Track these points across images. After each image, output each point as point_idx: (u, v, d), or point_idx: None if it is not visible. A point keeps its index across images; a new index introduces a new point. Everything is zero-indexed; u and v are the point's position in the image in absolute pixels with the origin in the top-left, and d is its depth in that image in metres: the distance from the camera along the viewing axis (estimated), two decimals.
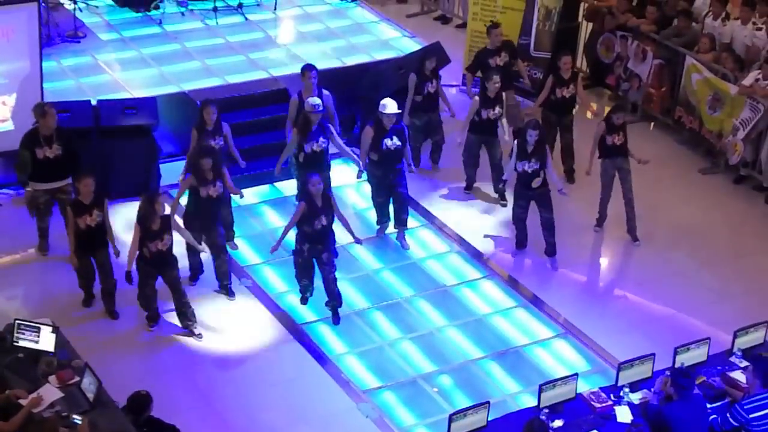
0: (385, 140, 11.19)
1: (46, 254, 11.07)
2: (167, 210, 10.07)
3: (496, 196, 12.49)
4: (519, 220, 11.46)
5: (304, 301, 10.65)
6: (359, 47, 14.60)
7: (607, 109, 14.15)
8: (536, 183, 11.05)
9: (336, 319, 10.50)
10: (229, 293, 10.74)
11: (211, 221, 10.52)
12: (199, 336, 10.15)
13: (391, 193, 11.51)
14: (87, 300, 10.46)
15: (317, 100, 11.14)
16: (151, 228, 9.76)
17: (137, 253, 9.82)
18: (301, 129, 11.17)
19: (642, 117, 14.44)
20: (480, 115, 11.99)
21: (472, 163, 12.47)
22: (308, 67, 11.75)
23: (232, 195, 10.85)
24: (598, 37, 14.79)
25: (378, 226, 11.81)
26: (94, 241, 10.14)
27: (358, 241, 10.79)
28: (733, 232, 12.42)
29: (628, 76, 14.46)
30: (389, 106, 11.17)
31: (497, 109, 12.02)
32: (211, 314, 10.51)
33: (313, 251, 10.28)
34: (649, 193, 12.54)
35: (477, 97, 12.03)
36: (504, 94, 12.30)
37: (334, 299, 10.47)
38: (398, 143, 11.23)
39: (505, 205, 12.25)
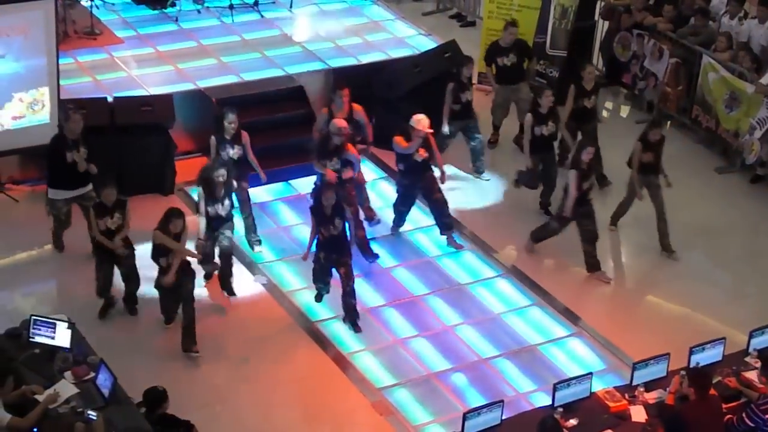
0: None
1: (63, 250, 11.10)
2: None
3: (541, 210, 12.23)
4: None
5: (318, 298, 10.65)
6: (375, 45, 14.60)
7: (623, 108, 14.16)
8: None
9: (357, 328, 10.40)
10: (230, 293, 10.70)
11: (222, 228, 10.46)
12: (196, 353, 9.96)
13: (429, 202, 11.49)
14: (104, 310, 10.27)
15: (342, 124, 10.93)
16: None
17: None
18: (319, 148, 11.04)
19: (658, 116, 14.39)
20: (534, 132, 11.73)
21: (540, 182, 12.09)
22: (341, 86, 11.56)
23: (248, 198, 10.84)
24: (615, 36, 14.74)
25: (392, 230, 11.79)
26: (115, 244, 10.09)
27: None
28: (750, 232, 12.38)
29: (645, 74, 14.42)
30: (422, 122, 11.05)
31: (551, 125, 11.77)
32: (225, 311, 10.52)
33: (329, 260, 10.25)
34: (665, 192, 12.48)
35: (530, 114, 11.75)
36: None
37: (350, 312, 10.38)
38: (426, 155, 11.17)
39: (550, 213, 12.09)
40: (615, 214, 11.94)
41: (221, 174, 10.15)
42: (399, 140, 11.17)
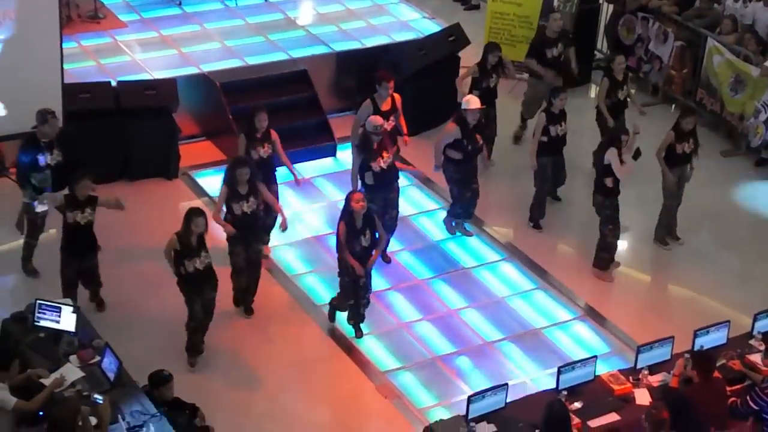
0: (467, 140, 10.98)
1: (37, 275, 10.51)
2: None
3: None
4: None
5: (359, 334, 10.11)
6: (379, 29, 14.56)
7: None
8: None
9: (360, 333, 10.19)
10: (248, 311, 10.36)
11: (251, 236, 10.08)
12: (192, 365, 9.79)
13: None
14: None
15: (379, 121, 10.56)
16: (190, 244, 9.26)
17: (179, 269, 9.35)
18: (362, 147, 10.65)
19: (663, 99, 14.36)
20: (548, 133, 11.39)
21: (545, 192, 11.77)
22: (386, 77, 11.18)
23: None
24: (619, 19, 14.70)
25: (456, 224, 11.61)
26: (84, 242, 9.82)
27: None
28: (754, 215, 12.36)
29: (650, 57, 14.38)
30: (473, 101, 10.96)
31: (563, 125, 11.48)
32: (230, 295, 10.54)
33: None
34: None
35: (543, 113, 11.48)
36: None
37: (359, 319, 10.16)
38: (479, 143, 11.10)
39: (558, 199, 12.13)
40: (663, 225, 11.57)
41: (244, 172, 9.76)
42: (451, 128, 10.96)
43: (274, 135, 10.76)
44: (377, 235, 9.84)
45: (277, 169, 10.98)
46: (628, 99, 12.30)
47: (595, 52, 14.90)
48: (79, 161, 10.43)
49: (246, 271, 10.11)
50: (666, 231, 11.58)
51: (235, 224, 9.87)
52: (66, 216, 9.71)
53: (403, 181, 11.37)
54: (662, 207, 11.47)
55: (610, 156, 10.56)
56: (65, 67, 11.89)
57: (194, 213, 9.26)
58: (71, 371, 8.33)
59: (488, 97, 12.22)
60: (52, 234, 11.11)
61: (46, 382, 8.04)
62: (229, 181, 9.86)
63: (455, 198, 11.45)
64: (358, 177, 10.62)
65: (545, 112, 11.46)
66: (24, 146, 10.34)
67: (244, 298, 10.33)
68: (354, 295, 9.95)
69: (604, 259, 11.03)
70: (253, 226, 10.05)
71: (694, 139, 11.21)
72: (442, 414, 9.05)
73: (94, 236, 9.87)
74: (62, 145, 10.34)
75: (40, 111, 10.24)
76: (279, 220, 10.43)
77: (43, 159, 10.20)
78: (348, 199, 9.69)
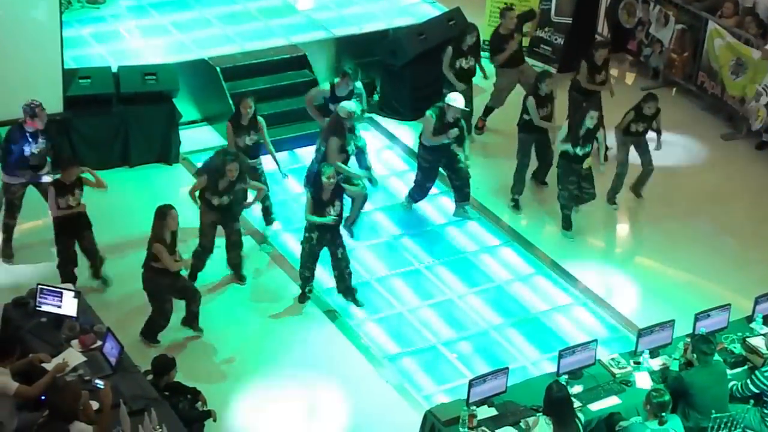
0: (444, 135, 11.05)
1: (12, 260, 10.64)
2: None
3: (533, 180, 12.21)
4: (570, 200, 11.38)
5: (303, 298, 10.36)
6: (378, 14, 14.53)
7: (629, 76, 14.04)
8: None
9: (358, 303, 10.36)
10: (241, 279, 10.61)
11: (229, 218, 10.30)
12: (200, 331, 9.95)
13: (453, 172, 11.40)
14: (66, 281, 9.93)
15: (351, 107, 10.85)
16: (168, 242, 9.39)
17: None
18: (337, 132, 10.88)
19: (664, 82, 14.33)
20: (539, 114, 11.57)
21: (526, 167, 11.87)
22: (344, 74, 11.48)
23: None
24: (620, 2, 14.66)
25: (407, 202, 11.70)
26: (78, 223, 9.95)
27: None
28: (755, 198, 12.36)
29: (650, 41, 14.35)
30: (459, 100, 11.00)
31: (548, 107, 11.59)
32: (226, 281, 10.54)
33: (322, 241, 10.08)
34: (670, 159, 12.46)
35: (531, 97, 11.53)
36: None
37: (351, 293, 10.32)
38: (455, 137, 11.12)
39: (545, 184, 12.15)
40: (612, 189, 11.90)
41: (233, 168, 9.89)
42: (429, 121, 11.06)
43: (259, 124, 10.81)
44: (342, 206, 10.07)
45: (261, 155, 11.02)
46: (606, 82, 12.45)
47: (596, 36, 14.86)
48: (60, 147, 10.58)
49: (208, 254, 10.35)
50: (614, 194, 11.89)
51: (211, 213, 10.08)
52: (58, 203, 9.76)
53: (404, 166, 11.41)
54: (616, 175, 11.76)
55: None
56: (65, 52, 11.88)
57: (167, 208, 9.33)
58: (73, 356, 8.33)
59: (464, 78, 12.26)
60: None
61: (48, 367, 8.06)
62: (212, 173, 9.96)
63: (416, 182, 11.55)
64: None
65: (533, 96, 11.52)
66: (10, 135, 10.34)
67: (235, 269, 10.54)
68: (309, 267, 10.16)
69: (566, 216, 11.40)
70: (230, 211, 10.22)
71: (657, 123, 11.61)
72: (443, 398, 9.07)
73: (87, 216, 9.98)
74: (47, 133, 10.35)
75: (28, 105, 10.19)
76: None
77: (28, 149, 10.27)
78: (320, 172, 9.87)
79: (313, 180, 10.27)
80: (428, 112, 11.10)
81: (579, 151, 10.96)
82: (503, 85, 13.01)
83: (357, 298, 10.37)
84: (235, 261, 10.53)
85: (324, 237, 10.05)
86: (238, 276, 10.58)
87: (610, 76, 12.76)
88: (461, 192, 11.53)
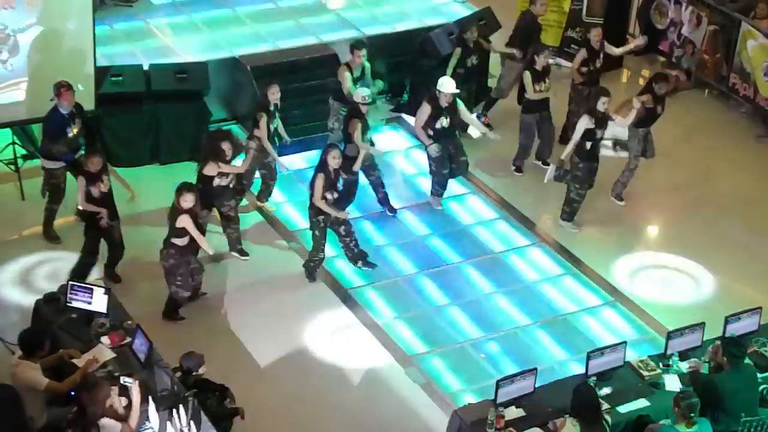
0: (440, 119, 11.17)
1: (60, 242, 10.95)
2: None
3: (539, 162, 12.37)
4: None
5: (313, 276, 10.64)
6: (409, 13, 14.52)
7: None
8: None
9: (371, 265, 10.72)
10: (242, 254, 10.85)
11: (217, 199, 10.52)
12: (204, 295, 10.22)
13: (456, 163, 11.58)
14: (81, 269, 10.21)
15: (365, 91, 11.07)
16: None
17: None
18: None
19: (696, 84, 14.24)
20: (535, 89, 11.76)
21: (529, 148, 12.19)
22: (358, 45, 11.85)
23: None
24: (652, 3, 14.59)
25: (434, 200, 11.75)
26: (109, 210, 10.08)
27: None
28: None
29: (682, 42, 14.26)
30: (447, 84, 11.10)
31: (547, 81, 11.80)
32: (259, 280, 10.57)
33: (328, 221, 10.33)
34: (703, 161, 12.38)
35: (528, 72, 11.72)
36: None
37: (361, 258, 10.69)
38: (451, 121, 11.24)
39: (548, 164, 12.12)
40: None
41: (228, 147, 10.31)
42: (424, 107, 11.25)
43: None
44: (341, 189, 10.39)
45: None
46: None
47: (627, 36, 14.77)
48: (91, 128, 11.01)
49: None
50: (623, 188, 11.86)
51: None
52: (90, 191, 9.91)
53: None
54: (628, 169, 11.76)
55: (583, 122, 10.89)
56: (97, 50, 11.96)
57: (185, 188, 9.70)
58: (103, 352, 8.39)
59: (472, 75, 12.37)
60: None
61: (78, 363, 8.11)
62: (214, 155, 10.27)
63: (432, 173, 11.64)
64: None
65: (530, 70, 11.66)
66: (49, 119, 10.62)
67: (234, 244, 10.83)
68: (322, 249, 10.46)
69: (566, 212, 11.41)
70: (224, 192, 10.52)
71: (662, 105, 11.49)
72: (470, 398, 9.06)
73: (114, 205, 10.18)
74: (81, 114, 10.73)
75: (55, 84, 10.54)
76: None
77: (70, 130, 10.56)
78: (325, 153, 10.16)
79: (318, 162, 10.38)
80: (425, 102, 11.27)
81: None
82: (511, 80, 13.08)
83: (369, 261, 10.66)
84: (233, 236, 10.75)
85: (329, 217, 10.29)
86: (239, 251, 10.82)
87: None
88: (445, 186, 11.68)
